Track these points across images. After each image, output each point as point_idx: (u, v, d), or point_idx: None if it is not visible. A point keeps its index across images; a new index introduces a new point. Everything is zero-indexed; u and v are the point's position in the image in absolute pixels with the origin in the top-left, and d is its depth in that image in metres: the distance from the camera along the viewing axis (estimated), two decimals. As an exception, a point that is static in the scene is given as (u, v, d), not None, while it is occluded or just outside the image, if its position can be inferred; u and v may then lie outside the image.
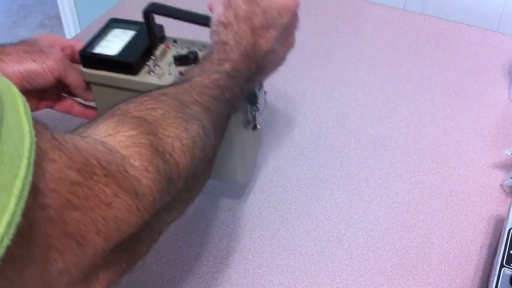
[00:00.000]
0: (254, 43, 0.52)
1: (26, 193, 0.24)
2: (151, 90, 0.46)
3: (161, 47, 0.65)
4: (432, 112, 0.83)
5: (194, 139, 0.42)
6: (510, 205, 0.64)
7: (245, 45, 0.52)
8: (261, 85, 0.62)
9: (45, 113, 0.66)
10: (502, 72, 0.89)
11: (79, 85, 0.64)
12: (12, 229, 0.24)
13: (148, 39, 0.64)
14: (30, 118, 0.27)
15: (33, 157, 0.25)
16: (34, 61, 0.59)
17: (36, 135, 0.27)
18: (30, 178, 0.25)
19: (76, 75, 0.63)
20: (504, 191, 0.71)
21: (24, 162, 0.25)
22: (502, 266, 0.58)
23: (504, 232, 0.61)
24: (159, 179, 0.37)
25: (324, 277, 0.63)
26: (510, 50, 0.94)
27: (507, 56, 0.92)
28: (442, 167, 0.75)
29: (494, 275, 0.57)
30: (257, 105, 0.62)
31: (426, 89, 0.87)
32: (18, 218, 0.24)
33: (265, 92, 0.63)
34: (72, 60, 0.65)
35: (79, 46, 0.65)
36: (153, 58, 0.63)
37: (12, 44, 0.61)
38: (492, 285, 0.57)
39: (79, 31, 1.97)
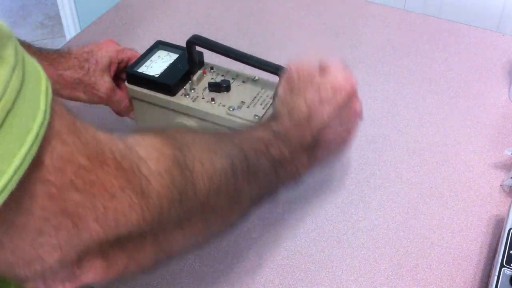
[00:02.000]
0: (309, 116, 0.54)
1: (26, 164, 0.27)
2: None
3: (199, 72, 0.70)
4: (432, 112, 0.83)
5: (216, 169, 0.43)
6: (510, 205, 0.64)
7: (298, 114, 0.54)
8: None
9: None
10: (502, 72, 0.89)
11: (120, 110, 0.73)
12: (5, 194, 0.26)
13: (187, 65, 0.70)
14: (50, 100, 0.29)
15: (42, 135, 0.27)
16: (84, 93, 0.70)
17: (53, 115, 0.29)
18: (33, 153, 0.27)
19: (119, 102, 0.72)
20: (504, 191, 0.71)
21: (30, 137, 0.27)
22: (502, 266, 0.58)
23: (504, 232, 0.61)
24: (171, 188, 0.37)
25: (324, 277, 0.63)
26: (510, 50, 0.94)
27: (507, 56, 0.92)
28: (442, 167, 0.75)
29: (494, 275, 0.57)
30: None
31: (426, 89, 0.87)
32: (13, 186, 0.26)
33: None
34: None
35: (135, 58, 0.73)
36: (190, 82, 0.70)
37: (75, 56, 0.70)
38: (492, 285, 0.57)
39: (79, 31, 1.97)
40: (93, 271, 0.34)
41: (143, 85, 0.69)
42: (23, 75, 0.27)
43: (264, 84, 0.70)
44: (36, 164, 0.28)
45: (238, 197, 0.46)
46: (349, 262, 0.64)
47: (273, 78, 0.67)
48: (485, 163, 0.75)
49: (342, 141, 0.59)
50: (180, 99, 0.68)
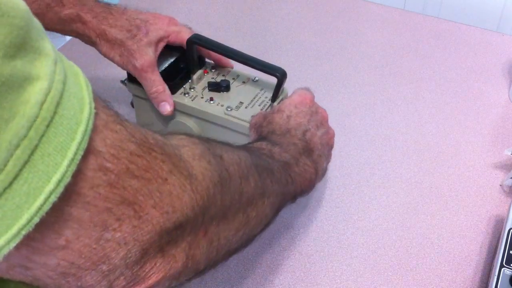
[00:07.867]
0: (288, 123, 0.61)
1: (79, 157, 0.27)
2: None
3: (200, 72, 0.70)
4: (432, 112, 0.83)
5: (240, 158, 0.44)
6: (510, 205, 0.64)
7: (280, 128, 0.61)
8: None
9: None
10: (502, 72, 0.89)
11: (150, 92, 0.67)
12: (61, 188, 0.26)
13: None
14: (91, 94, 0.29)
15: (90, 126, 0.28)
16: (120, 56, 0.66)
17: (98, 108, 0.29)
18: (85, 145, 0.27)
19: (152, 82, 0.67)
20: (504, 191, 0.71)
21: (81, 128, 0.27)
22: (502, 266, 0.58)
23: (504, 232, 0.61)
24: (210, 170, 0.38)
25: (324, 277, 0.63)
26: (510, 50, 0.94)
27: (507, 56, 0.92)
28: (442, 167, 0.75)
29: (494, 275, 0.57)
30: None
31: (426, 89, 0.87)
32: (68, 179, 0.26)
33: None
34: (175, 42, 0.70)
35: (183, 36, 0.69)
36: (190, 81, 0.70)
37: (127, 18, 0.66)
38: (492, 285, 0.57)
39: (79, 31, 1.96)
40: (155, 273, 0.34)
41: None
42: (64, 68, 0.27)
43: (264, 85, 0.70)
44: (92, 152, 0.28)
45: (265, 187, 0.47)
46: (349, 262, 0.64)
47: (273, 79, 0.67)
48: (485, 163, 0.75)
49: (328, 142, 0.64)
50: (179, 97, 0.68)
